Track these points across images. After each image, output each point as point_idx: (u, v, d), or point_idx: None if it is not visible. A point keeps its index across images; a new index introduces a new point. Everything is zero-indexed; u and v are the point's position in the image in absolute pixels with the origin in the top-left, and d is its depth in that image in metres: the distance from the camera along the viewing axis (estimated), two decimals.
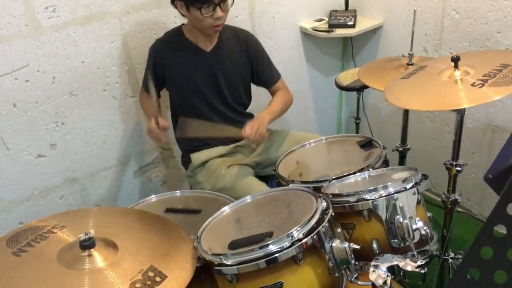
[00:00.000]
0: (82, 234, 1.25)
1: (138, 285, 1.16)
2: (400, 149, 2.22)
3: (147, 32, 2.16)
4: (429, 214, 1.56)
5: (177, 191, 1.85)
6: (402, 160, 2.26)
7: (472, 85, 1.46)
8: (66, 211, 1.54)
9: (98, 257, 1.24)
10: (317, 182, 1.71)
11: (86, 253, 1.24)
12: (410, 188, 1.46)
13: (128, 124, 2.26)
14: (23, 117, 1.96)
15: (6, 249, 1.28)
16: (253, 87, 2.17)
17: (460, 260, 1.84)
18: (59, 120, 2.05)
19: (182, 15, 1.90)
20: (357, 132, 2.54)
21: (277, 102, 2.09)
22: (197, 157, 2.04)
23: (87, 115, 2.12)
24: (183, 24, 2.00)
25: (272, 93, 2.17)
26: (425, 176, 1.55)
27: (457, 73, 1.55)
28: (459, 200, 1.76)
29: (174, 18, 2.18)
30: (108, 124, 2.20)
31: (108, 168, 2.28)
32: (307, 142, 2.05)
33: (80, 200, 2.24)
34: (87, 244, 1.24)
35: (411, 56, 2.02)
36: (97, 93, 2.12)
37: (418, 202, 1.49)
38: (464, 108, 1.56)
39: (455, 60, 1.55)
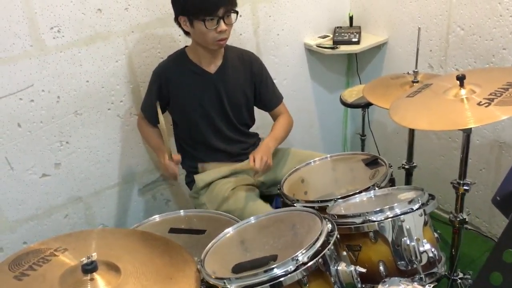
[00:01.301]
0: (84, 258, 1.24)
1: None
2: (407, 166, 2.20)
3: (152, 51, 2.16)
4: (436, 235, 1.54)
5: (181, 211, 1.85)
6: (408, 178, 2.24)
7: (479, 104, 1.45)
8: (69, 233, 1.53)
9: (101, 281, 1.23)
10: (322, 201, 1.69)
11: (89, 277, 1.23)
12: (417, 209, 1.44)
13: (132, 142, 2.26)
14: (27, 137, 1.96)
15: (8, 273, 1.28)
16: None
17: (469, 280, 1.81)
18: (64, 139, 2.05)
19: (186, 33, 1.90)
20: (362, 149, 2.52)
21: (280, 128, 2.08)
22: (201, 178, 2.02)
23: (92, 134, 2.12)
24: (186, 46, 2.01)
25: (273, 116, 2.16)
26: (432, 197, 1.53)
27: (463, 91, 1.54)
28: (467, 220, 1.73)
29: (178, 37, 2.18)
30: (113, 142, 2.20)
31: (112, 187, 2.27)
32: (311, 160, 2.04)
33: (84, 219, 2.23)
34: (89, 268, 1.23)
35: (416, 73, 2.01)
36: (101, 112, 2.12)
37: (425, 223, 1.46)
38: (471, 127, 1.54)
39: (461, 78, 1.54)
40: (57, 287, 1.22)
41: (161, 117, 1.81)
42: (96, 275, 1.24)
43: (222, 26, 1.79)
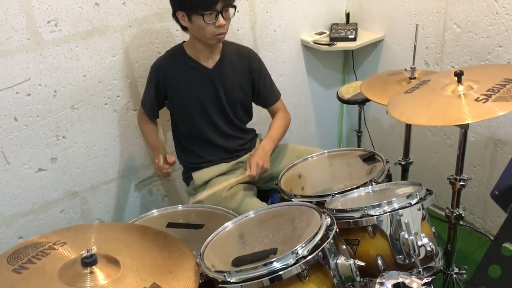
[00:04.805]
0: (84, 251, 1.24)
1: None
2: (403, 162, 2.21)
3: (149, 46, 2.16)
4: (433, 230, 1.55)
5: (179, 206, 1.85)
6: (404, 174, 2.25)
7: (476, 100, 1.46)
8: (67, 227, 1.53)
9: (100, 274, 1.23)
10: (320, 196, 1.70)
11: (88, 270, 1.23)
12: (415, 203, 1.45)
13: (129, 137, 2.25)
14: (24, 131, 1.95)
15: (7, 266, 1.27)
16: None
17: (464, 275, 1.82)
18: (60, 133, 2.04)
19: (183, 28, 1.90)
20: (358, 146, 2.53)
21: (277, 127, 2.09)
22: (199, 176, 2.03)
23: (88, 129, 2.11)
24: (183, 41, 2.00)
25: (271, 113, 2.16)
26: (429, 192, 1.54)
27: (461, 88, 1.55)
28: (463, 215, 1.74)
29: (175, 32, 2.18)
30: (109, 137, 2.19)
31: (109, 182, 2.26)
32: (309, 156, 2.04)
33: (80, 214, 2.22)
34: (89, 261, 1.23)
35: (413, 70, 2.02)
36: (98, 107, 2.11)
37: (423, 218, 1.47)
38: (468, 123, 1.55)
39: (459, 75, 1.55)
40: (57, 280, 1.22)
41: (159, 131, 1.98)
42: (95, 269, 1.23)
43: (221, 20, 1.79)
